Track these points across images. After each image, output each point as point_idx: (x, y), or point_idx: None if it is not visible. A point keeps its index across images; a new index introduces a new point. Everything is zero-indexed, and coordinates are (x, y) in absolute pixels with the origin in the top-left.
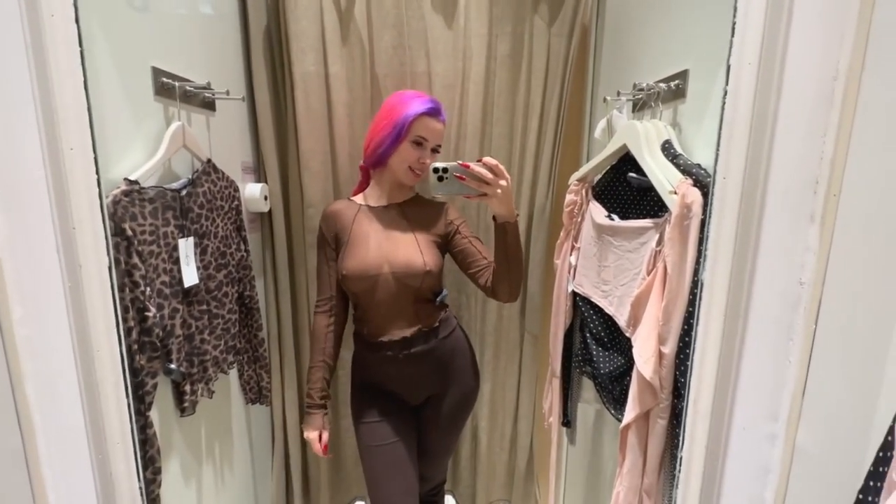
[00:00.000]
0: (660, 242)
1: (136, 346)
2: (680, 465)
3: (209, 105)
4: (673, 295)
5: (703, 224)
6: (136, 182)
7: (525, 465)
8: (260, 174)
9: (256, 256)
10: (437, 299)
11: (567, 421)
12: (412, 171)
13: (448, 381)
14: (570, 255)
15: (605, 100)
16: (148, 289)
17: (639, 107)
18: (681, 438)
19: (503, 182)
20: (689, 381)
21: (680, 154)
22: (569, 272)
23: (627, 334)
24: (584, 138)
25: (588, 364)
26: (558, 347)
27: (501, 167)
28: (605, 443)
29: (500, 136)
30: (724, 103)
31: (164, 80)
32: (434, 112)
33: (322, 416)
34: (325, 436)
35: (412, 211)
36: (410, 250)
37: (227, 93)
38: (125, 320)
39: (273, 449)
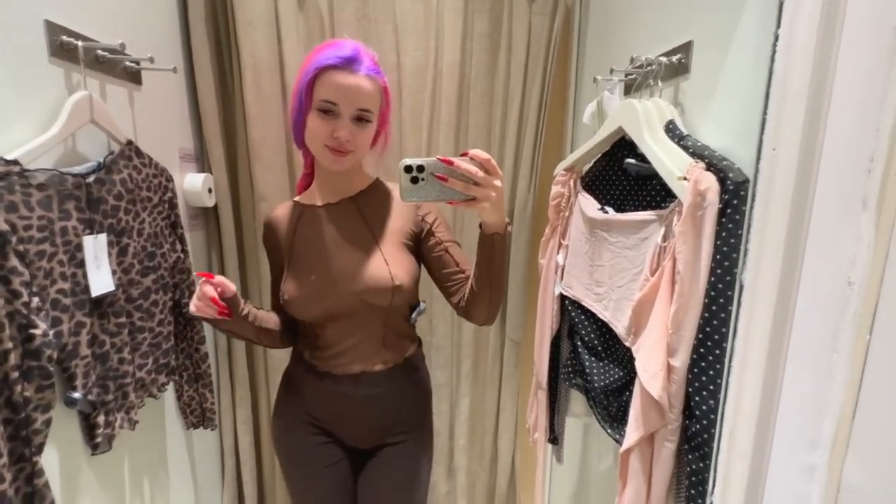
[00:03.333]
0: (666, 237)
1: (16, 374)
2: None
3: (134, 77)
4: (685, 299)
5: (722, 214)
6: (15, 162)
7: (507, 484)
8: (203, 163)
9: (200, 258)
10: (412, 316)
11: (554, 437)
12: (330, 150)
13: (410, 429)
14: (558, 253)
15: (594, 80)
16: (35, 299)
17: (634, 88)
18: (711, 479)
19: (497, 182)
20: (723, 407)
21: (688, 135)
22: (556, 273)
23: (627, 343)
24: (569, 126)
25: (578, 376)
26: (544, 357)
27: (494, 163)
28: (597, 461)
29: (478, 126)
30: (773, 53)
31: (64, 38)
32: (345, 63)
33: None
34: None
35: (370, 206)
36: (371, 261)
37: (152, 60)
38: None
39: (223, 479)
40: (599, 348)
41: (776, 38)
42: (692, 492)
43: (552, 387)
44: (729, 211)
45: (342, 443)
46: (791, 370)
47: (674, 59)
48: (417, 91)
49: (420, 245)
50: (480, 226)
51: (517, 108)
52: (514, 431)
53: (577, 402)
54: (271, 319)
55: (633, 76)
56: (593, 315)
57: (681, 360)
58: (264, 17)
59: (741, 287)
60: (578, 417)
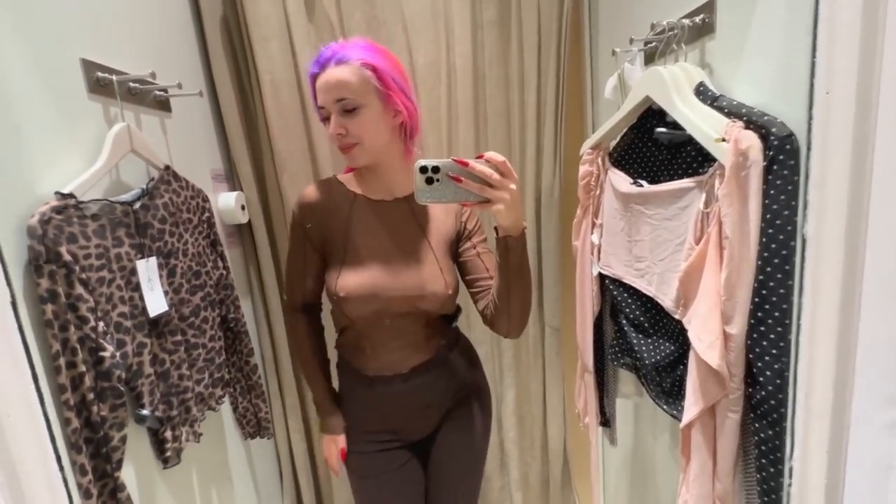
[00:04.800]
0: (708, 203)
1: (92, 396)
2: (790, 476)
3: (163, 105)
4: (736, 263)
5: (768, 171)
6: (70, 195)
7: (560, 472)
8: (234, 182)
9: (239, 274)
10: (454, 323)
11: (605, 420)
12: (339, 149)
13: (465, 398)
14: (592, 233)
15: (613, 53)
16: (101, 324)
17: (657, 55)
18: (788, 442)
19: (511, 184)
20: (794, 368)
21: (721, 95)
22: (592, 253)
23: (676, 316)
24: (588, 104)
25: (626, 355)
26: (588, 339)
27: (510, 166)
28: (652, 440)
29: (496, 114)
30: None
31: (100, 74)
32: (320, 66)
33: (339, 419)
34: (341, 441)
35: (423, 209)
36: (429, 268)
37: (180, 86)
38: (72, 365)
39: (282, 485)
40: (646, 324)
41: None
42: (763, 461)
43: (599, 369)
44: (775, 167)
45: (404, 440)
46: (865, 324)
47: (696, 19)
48: (432, 87)
49: (456, 248)
50: (496, 229)
51: (534, 92)
52: (562, 418)
53: (626, 381)
54: (324, 350)
55: (654, 44)
56: (636, 292)
57: (738, 327)
58: (277, 30)
59: (804, 241)
60: (629, 397)
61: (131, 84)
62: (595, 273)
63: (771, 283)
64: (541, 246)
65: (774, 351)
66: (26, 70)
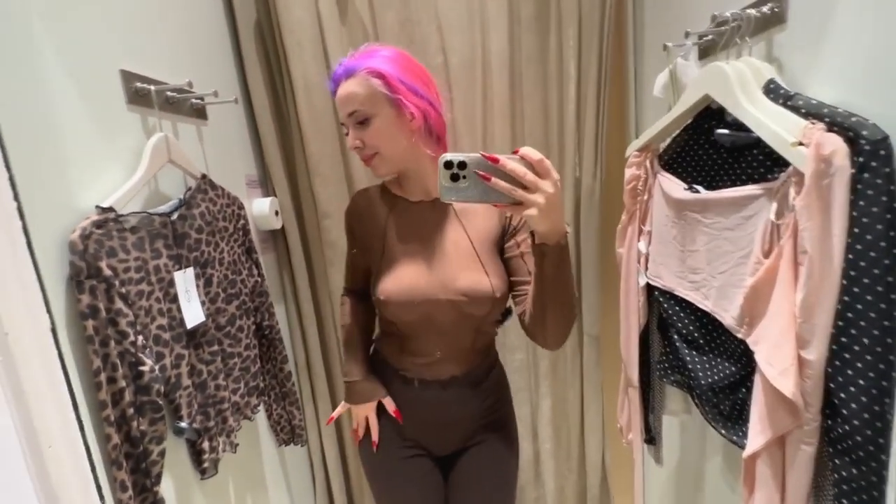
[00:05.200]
0: (780, 214)
1: (132, 411)
2: None
3: (200, 113)
4: (816, 282)
5: (857, 180)
6: (110, 209)
7: (599, 485)
8: (267, 187)
9: (272, 279)
10: (504, 324)
11: (651, 437)
12: (362, 161)
13: (495, 427)
14: (639, 240)
15: (664, 47)
16: (140, 337)
17: (719, 48)
18: (886, 490)
19: (548, 185)
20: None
21: (796, 94)
22: (639, 262)
23: (739, 335)
24: (631, 102)
25: (677, 372)
26: (633, 353)
27: (548, 163)
28: (702, 461)
29: (534, 113)
30: None
31: (138, 84)
32: (336, 82)
33: (377, 384)
34: (388, 403)
35: (467, 208)
36: (472, 270)
37: (216, 94)
38: (113, 381)
39: (315, 491)
40: (701, 341)
41: None
42: (844, 501)
43: (644, 384)
44: (867, 175)
45: (430, 452)
46: None
47: (764, 9)
48: (468, 87)
49: (501, 246)
50: (532, 236)
51: (573, 88)
52: (601, 431)
53: (673, 398)
54: (366, 315)
55: (710, 37)
56: (690, 305)
57: (816, 353)
58: (310, 35)
59: None
60: (676, 415)
61: (169, 93)
62: (642, 283)
63: (858, 307)
64: (580, 250)
65: (862, 381)
66: (68, 84)
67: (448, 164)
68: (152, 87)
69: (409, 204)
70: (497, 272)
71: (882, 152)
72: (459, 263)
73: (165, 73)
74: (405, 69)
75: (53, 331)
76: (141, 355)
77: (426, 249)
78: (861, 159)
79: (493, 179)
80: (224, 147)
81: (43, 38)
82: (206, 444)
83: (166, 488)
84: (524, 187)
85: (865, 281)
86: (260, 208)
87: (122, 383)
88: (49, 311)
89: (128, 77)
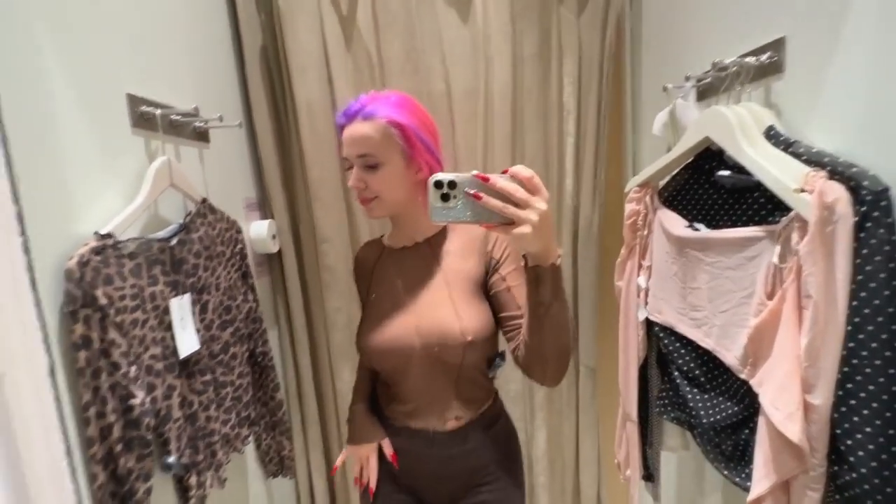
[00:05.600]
0: (783, 257)
1: (120, 447)
2: None
3: (202, 136)
4: (821, 327)
5: (860, 228)
6: (109, 235)
7: None
8: (266, 210)
9: (266, 304)
10: (491, 370)
11: (649, 473)
12: (358, 201)
13: (487, 482)
14: (638, 275)
15: (665, 88)
16: (133, 368)
17: (713, 92)
18: None
19: (540, 203)
20: None
21: (796, 141)
22: (638, 296)
23: (743, 376)
24: (628, 138)
25: (677, 409)
26: (632, 387)
27: (538, 179)
28: (700, 499)
29: (534, 144)
30: None
31: (144, 108)
32: (347, 118)
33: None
34: (386, 446)
35: (443, 248)
36: (442, 312)
37: (221, 119)
38: (102, 416)
39: None
40: (702, 379)
41: None
42: None
43: (642, 419)
44: (869, 225)
45: (425, 501)
46: None
47: (762, 58)
48: (469, 117)
49: (485, 283)
50: (524, 259)
51: (574, 123)
52: (597, 465)
53: (671, 434)
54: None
55: (709, 80)
56: (690, 342)
57: (822, 398)
58: (315, 60)
59: None
60: (674, 451)
61: (173, 117)
62: (642, 318)
63: (864, 353)
64: (577, 281)
65: (868, 429)
66: (73, 106)
67: (438, 184)
68: (158, 112)
69: (393, 251)
70: (472, 315)
71: (883, 203)
72: (432, 309)
73: (169, 95)
74: (422, 125)
75: (52, 372)
76: (132, 388)
77: (403, 295)
78: (863, 209)
79: (485, 198)
80: (225, 169)
81: (52, 60)
82: (193, 480)
83: None
84: (516, 206)
85: (870, 328)
86: (258, 231)
87: (112, 418)
88: (49, 350)
89: (134, 101)
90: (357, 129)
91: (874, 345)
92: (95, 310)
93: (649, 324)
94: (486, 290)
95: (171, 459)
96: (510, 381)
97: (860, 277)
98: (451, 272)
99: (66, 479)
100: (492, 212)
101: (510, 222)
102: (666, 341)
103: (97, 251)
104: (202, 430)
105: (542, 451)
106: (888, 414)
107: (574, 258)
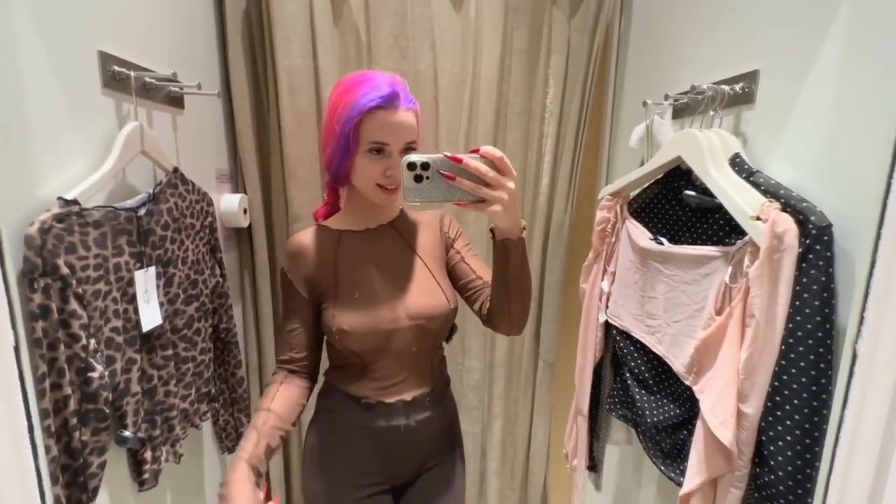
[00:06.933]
0: (734, 278)
1: (75, 420)
2: None
3: (176, 101)
4: (759, 344)
5: (802, 259)
6: (74, 202)
7: None
8: (237, 183)
9: (233, 278)
10: (449, 338)
11: (593, 464)
12: (382, 189)
13: (447, 450)
14: (602, 279)
15: (644, 104)
16: (92, 341)
17: (688, 112)
18: None
19: (509, 182)
20: (828, 476)
21: (757, 171)
22: (600, 300)
23: (687, 382)
24: (605, 146)
25: (625, 407)
26: (586, 384)
27: (507, 161)
28: (637, 490)
29: (515, 142)
30: None
31: (116, 68)
32: (388, 102)
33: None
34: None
35: (407, 229)
36: (427, 288)
37: (199, 87)
38: (58, 387)
39: None
40: (651, 381)
41: None
42: None
43: (592, 414)
44: (811, 256)
45: (387, 484)
46: None
47: (736, 87)
48: (454, 107)
49: (444, 259)
50: (492, 231)
51: (555, 125)
52: (546, 454)
53: (618, 429)
54: (288, 406)
55: (686, 101)
56: (644, 347)
57: (753, 407)
58: (301, 32)
59: (854, 356)
60: (619, 444)
61: (147, 79)
62: (601, 320)
63: (793, 370)
64: (544, 279)
65: (789, 437)
66: (40, 60)
67: (411, 166)
68: (132, 73)
69: (355, 234)
70: (448, 286)
71: (825, 238)
72: (413, 283)
73: (144, 56)
74: None
75: (16, 349)
76: (91, 360)
77: (381, 276)
78: (808, 241)
79: (458, 179)
80: (198, 138)
81: (18, 9)
82: (148, 454)
83: (100, 501)
84: (487, 185)
85: (800, 349)
86: (228, 205)
87: (68, 390)
88: (14, 325)
89: (106, 59)
90: (407, 118)
91: (802, 364)
92: (56, 279)
93: (608, 326)
94: (445, 264)
95: (127, 433)
96: (472, 371)
97: (797, 303)
98: (422, 248)
99: (29, 456)
100: (464, 191)
101: (481, 200)
102: (622, 344)
103: (60, 218)
104: (160, 404)
105: (497, 440)
106: (807, 426)
107: (543, 257)
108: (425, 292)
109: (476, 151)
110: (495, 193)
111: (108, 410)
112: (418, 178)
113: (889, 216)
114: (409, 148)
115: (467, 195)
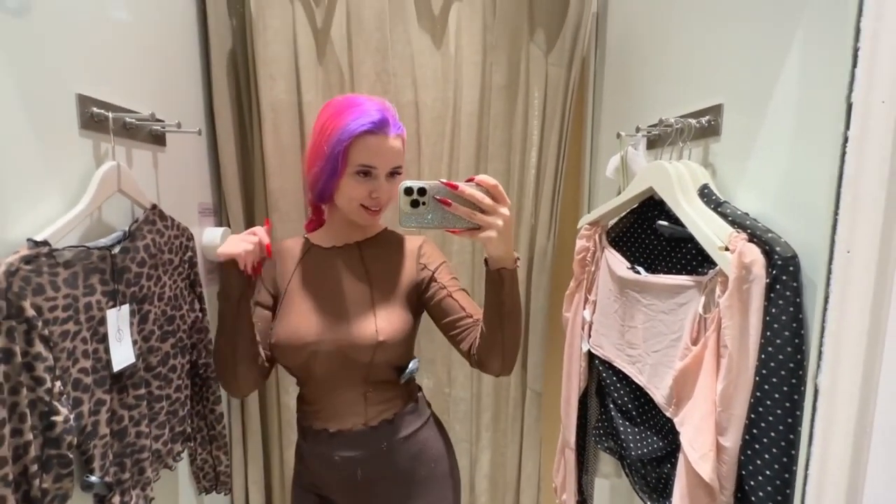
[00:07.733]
0: (707, 308)
1: (35, 467)
2: None
3: (158, 139)
4: (734, 375)
5: (770, 289)
6: (44, 243)
7: None
8: (221, 217)
9: (214, 312)
10: (403, 376)
11: (583, 499)
12: (365, 209)
13: (423, 493)
14: (584, 308)
15: (618, 136)
16: (58, 383)
17: (661, 143)
18: None
19: (504, 210)
20: None
21: (725, 202)
22: (583, 329)
23: (668, 414)
24: (586, 176)
25: (610, 439)
26: (572, 415)
27: (501, 189)
28: None
29: (496, 173)
30: (843, 153)
31: (95, 109)
32: (377, 127)
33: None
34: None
35: (373, 253)
36: (360, 313)
37: (179, 126)
38: (18, 433)
39: None
40: (634, 413)
41: (845, 141)
42: None
43: (580, 446)
44: (778, 287)
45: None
46: (872, 482)
47: (703, 120)
48: (436, 140)
49: (422, 296)
50: (486, 261)
51: (535, 155)
52: (536, 487)
53: (606, 461)
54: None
55: (657, 133)
56: (626, 377)
57: (732, 440)
58: (285, 71)
59: (816, 391)
60: (608, 477)
61: (128, 119)
62: (585, 350)
63: (768, 402)
64: (530, 307)
65: (768, 472)
66: (14, 105)
67: (408, 191)
68: (110, 114)
69: (321, 250)
70: (389, 317)
71: (791, 268)
72: (350, 306)
73: (126, 96)
74: None
75: None
76: (56, 403)
77: (323, 294)
78: (774, 272)
79: (454, 205)
80: (180, 173)
81: None
82: (116, 499)
83: None
84: (482, 211)
85: (774, 380)
86: (210, 238)
87: (29, 436)
88: None
89: (84, 101)
90: (395, 143)
91: (777, 395)
92: (21, 321)
93: (591, 356)
94: (423, 301)
95: (94, 479)
96: (459, 402)
97: (768, 334)
98: (376, 275)
99: None
100: (459, 217)
101: (476, 227)
102: (605, 374)
103: (28, 260)
104: (131, 446)
105: (486, 473)
106: (785, 459)
107: (528, 285)
108: (355, 319)
109: (471, 180)
110: (490, 220)
111: (71, 456)
112: (415, 204)
113: (838, 251)
114: (395, 172)
115: (463, 222)
